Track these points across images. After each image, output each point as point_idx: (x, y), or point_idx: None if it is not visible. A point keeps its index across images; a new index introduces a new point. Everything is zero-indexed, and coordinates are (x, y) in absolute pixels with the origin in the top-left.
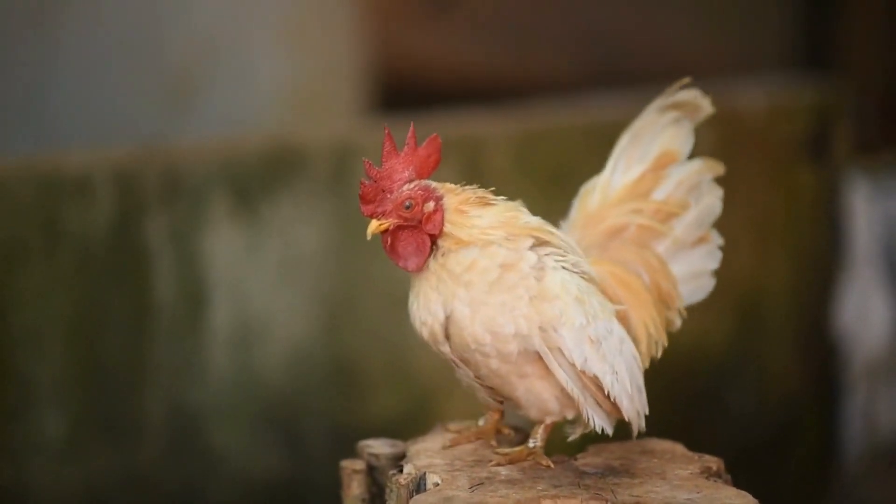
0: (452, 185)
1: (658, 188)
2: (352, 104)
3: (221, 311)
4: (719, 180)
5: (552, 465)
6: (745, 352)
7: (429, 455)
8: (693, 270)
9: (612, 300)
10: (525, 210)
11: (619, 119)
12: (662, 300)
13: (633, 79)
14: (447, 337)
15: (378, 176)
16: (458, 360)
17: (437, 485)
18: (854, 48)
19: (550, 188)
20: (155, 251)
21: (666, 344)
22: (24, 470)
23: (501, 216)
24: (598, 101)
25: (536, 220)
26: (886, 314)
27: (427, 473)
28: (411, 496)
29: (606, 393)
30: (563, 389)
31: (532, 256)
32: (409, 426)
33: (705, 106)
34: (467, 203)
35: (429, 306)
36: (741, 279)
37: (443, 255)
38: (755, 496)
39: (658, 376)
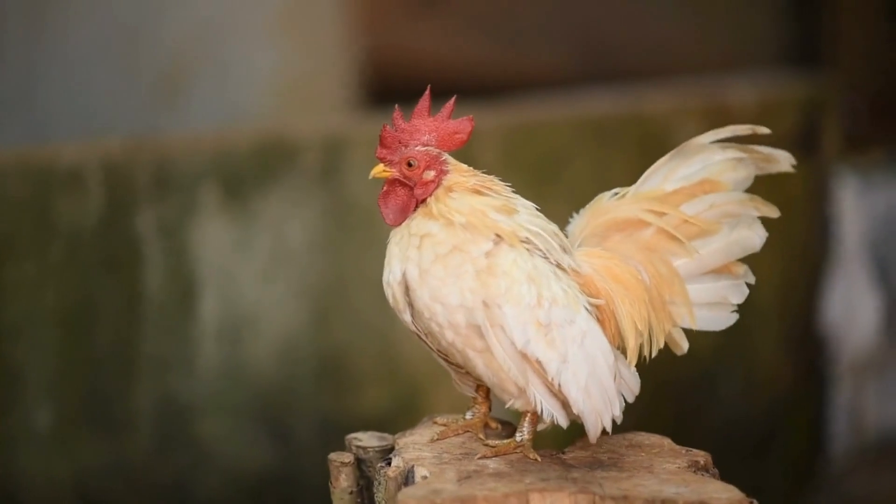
0: (466, 168)
1: (688, 203)
2: (342, 98)
3: (211, 303)
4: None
5: (539, 459)
6: (733, 347)
7: (417, 448)
8: (711, 298)
9: (595, 293)
10: (524, 210)
11: (609, 113)
12: (664, 307)
13: (623, 74)
14: (410, 304)
15: (401, 127)
16: (421, 333)
17: (426, 477)
18: (843, 44)
19: (539, 182)
20: (145, 244)
21: (661, 345)
22: (14, 461)
23: (474, 205)
24: (588, 95)
25: (515, 224)
26: (873, 310)
27: (415, 466)
28: (399, 489)
29: (551, 379)
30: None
31: (487, 245)
32: (399, 419)
33: (784, 164)
34: (461, 186)
35: (390, 261)
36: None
37: (412, 218)
38: (744, 491)
39: (646, 372)
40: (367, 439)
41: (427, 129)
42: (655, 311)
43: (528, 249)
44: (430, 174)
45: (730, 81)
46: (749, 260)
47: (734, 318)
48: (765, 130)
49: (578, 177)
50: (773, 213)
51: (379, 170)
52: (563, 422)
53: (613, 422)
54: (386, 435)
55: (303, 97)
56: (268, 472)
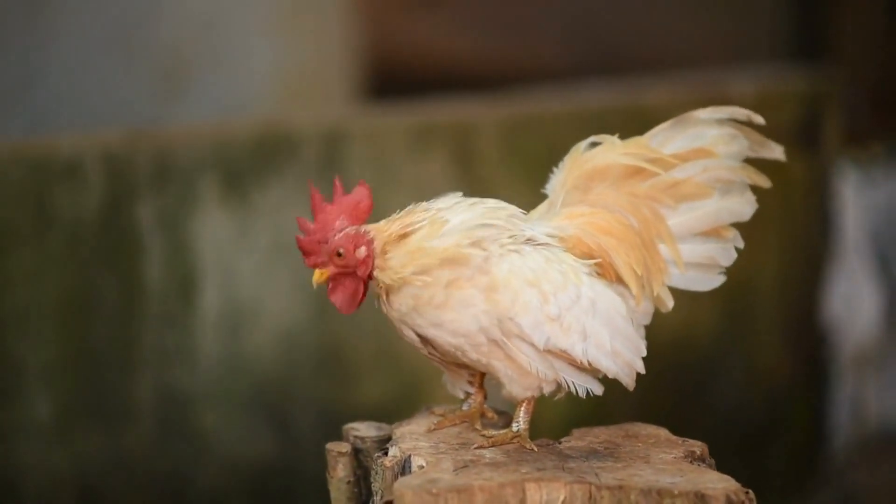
0: (383, 222)
1: (680, 167)
2: (343, 91)
3: (211, 295)
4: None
5: (536, 449)
6: (734, 341)
7: (414, 438)
8: (698, 259)
9: (587, 252)
10: (455, 215)
11: (608, 106)
12: (655, 265)
13: (623, 67)
14: (426, 343)
15: (312, 230)
16: (442, 360)
17: (422, 467)
18: (845, 38)
19: (538, 175)
20: (145, 235)
21: (664, 282)
22: (14, 452)
23: (408, 251)
24: (587, 88)
25: (455, 236)
26: (874, 303)
27: (412, 456)
28: (396, 478)
29: (580, 361)
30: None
31: (477, 255)
32: (398, 410)
33: (777, 152)
34: (389, 243)
35: (403, 332)
36: (730, 268)
37: (386, 301)
38: (744, 483)
39: (646, 365)
40: (365, 429)
41: (333, 215)
42: (649, 251)
43: (512, 250)
44: (362, 251)
45: (730, 74)
46: (751, 256)
47: (721, 279)
48: (760, 120)
49: None
50: (764, 182)
51: (318, 276)
52: (599, 390)
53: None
54: (383, 425)
55: (303, 90)
56: (267, 463)
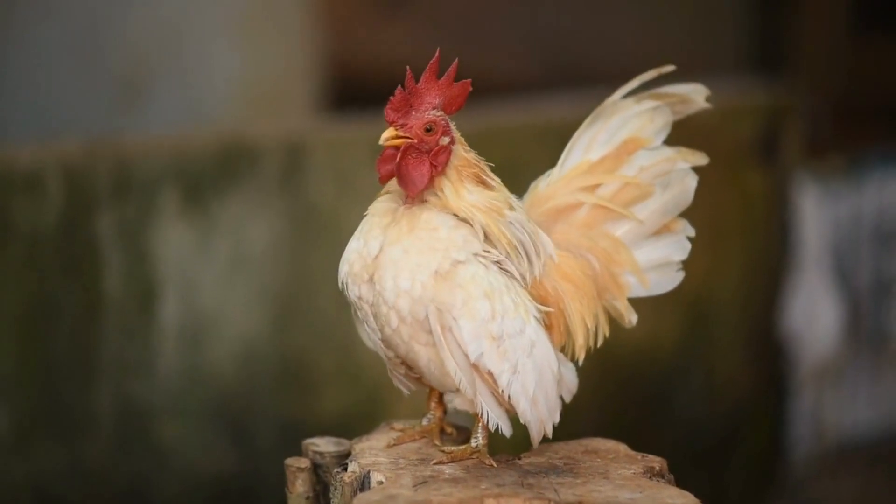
0: (462, 139)
1: (618, 170)
2: (306, 102)
3: (171, 307)
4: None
5: (495, 464)
6: (695, 353)
7: (373, 453)
8: (655, 261)
9: (544, 295)
10: (514, 208)
11: (571, 119)
12: (615, 285)
13: (585, 79)
14: (370, 279)
15: (413, 90)
16: (368, 313)
17: (381, 483)
18: (806, 50)
19: None
20: (105, 247)
21: (607, 334)
22: None
23: (490, 203)
24: (550, 101)
25: (511, 231)
26: (834, 317)
27: (371, 472)
28: (355, 494)
29: (501, 391)
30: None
31: (461, 255)
32: (359, 423)
33: (699, 101)
34: (468, 168)
35: (368, 239)
36: (691, 281)
37: (420, 204)
38: (704, 496)
39: (607, 377)
40: (324, 444)
41: (437, 92)
42: (603, 300)
43: (483, 263)
44: (446, 140)
45: None
46: (712, 269)
47: (681, 276)
48: (669, 68)
49: None
50: (702, 160)
51: (391, 134)
52: (508, 431)
53: (554, 427)
54: (343, 440)
55: (266, 100)
56: (227, 476)
